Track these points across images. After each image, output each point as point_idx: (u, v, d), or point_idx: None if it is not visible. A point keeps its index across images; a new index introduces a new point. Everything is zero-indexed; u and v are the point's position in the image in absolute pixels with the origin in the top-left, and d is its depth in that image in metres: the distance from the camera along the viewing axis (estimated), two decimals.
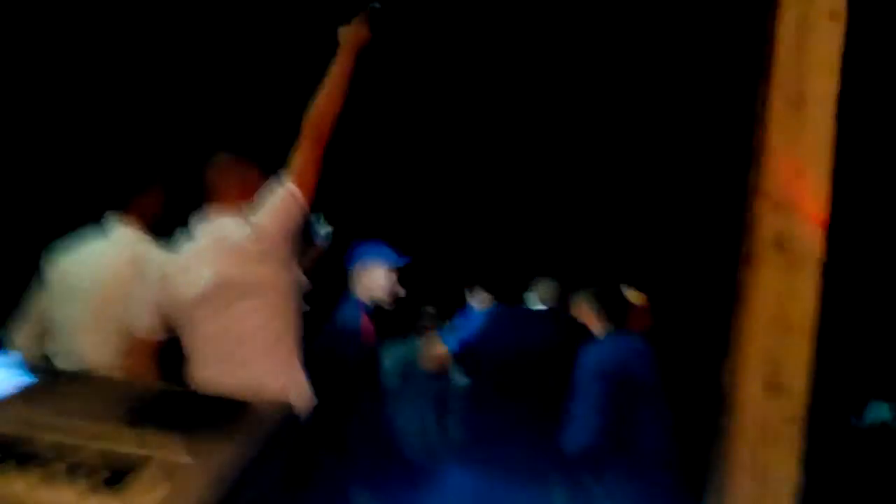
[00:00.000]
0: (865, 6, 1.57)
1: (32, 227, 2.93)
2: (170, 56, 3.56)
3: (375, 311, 2.79)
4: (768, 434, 1.52)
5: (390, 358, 3.25)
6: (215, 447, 1.20)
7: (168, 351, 1.96)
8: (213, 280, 1.83)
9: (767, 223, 1.52)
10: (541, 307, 2.94)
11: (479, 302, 3.41)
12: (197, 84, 3.57)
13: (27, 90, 3.33)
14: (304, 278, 2.12)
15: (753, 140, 1.58)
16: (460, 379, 3.08)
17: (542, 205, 4.47)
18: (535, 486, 2.51)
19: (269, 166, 1.98)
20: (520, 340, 2.70)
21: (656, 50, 3.75)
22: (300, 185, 1.85)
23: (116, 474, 1.13)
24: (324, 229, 2.83)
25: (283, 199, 1.84)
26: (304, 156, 1.87)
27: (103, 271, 2.15)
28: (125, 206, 2.25)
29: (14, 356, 1.52)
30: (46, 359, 2.19)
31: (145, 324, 1.92)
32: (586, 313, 2.66)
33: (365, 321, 2.72)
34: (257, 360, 1.86)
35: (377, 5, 1.97)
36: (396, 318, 3.12)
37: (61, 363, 2.15)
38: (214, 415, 1.29)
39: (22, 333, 2.25)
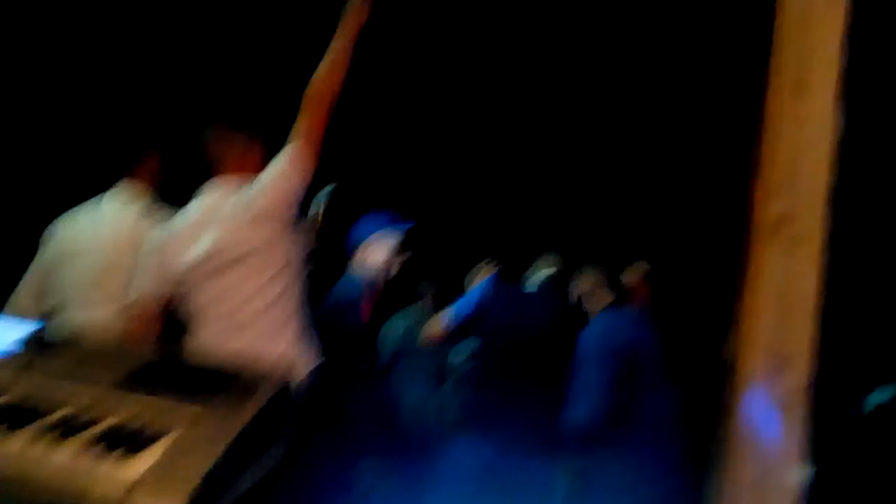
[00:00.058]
0: None
1: (30, 201, 2.92)
2: (169, 32, 3.52)
3: (376, 284, 2.78)
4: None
5: (391, 331, 3.25)
6: (211, 415, 1.20)
7: (168, 318, 1.98)
8: (212, 246, 1.87)
9: (770, 204, 1.54)
10: (543, 282, 2.93)
11: (480, 275, 3.39)
12: (196, 59, 3.53)
13: (21, 66, 3.29)
14: (308, 242, 2.13)
15: (757, 120, 1.59)
16: (462, 350, 3.08)
17: (543, 181, 4.44)
18: (538, 458, 2.52)
19: (272, 143, 2.01)
20: (521, 315, 2.70)
21: (661, 31, 3.70)
22: (303, 151, 1.89)
23: (111, 439, 1.13)
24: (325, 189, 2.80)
25: (285, 164, 1.88)
26: (305, 123, 1.91)
27: (105, 237, 2.20)
28: (124, 173, 2.30)
29: (12, 320, 1.52)
30: (45, 320, 2.21)
31: (146, 290, 1.95)
32: (589, 289, 2.66)
33: (365, 294, 2.71)
34: (256, 323, 1.87)
35: None
36: (397, 293, 3.12)
37: (60, 326, 2.16)
38: (211, 383, 1.28)
39: (22, 294, 2.27)
